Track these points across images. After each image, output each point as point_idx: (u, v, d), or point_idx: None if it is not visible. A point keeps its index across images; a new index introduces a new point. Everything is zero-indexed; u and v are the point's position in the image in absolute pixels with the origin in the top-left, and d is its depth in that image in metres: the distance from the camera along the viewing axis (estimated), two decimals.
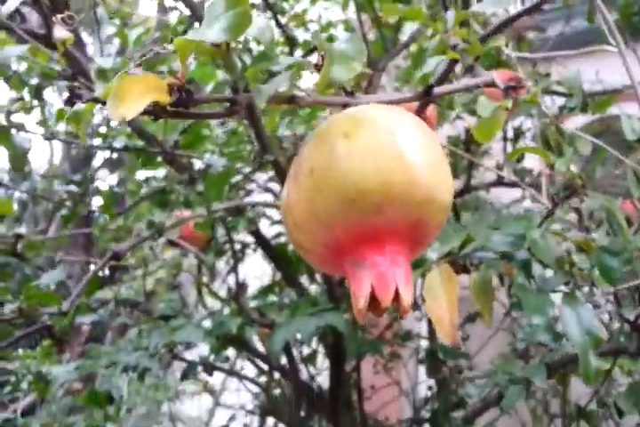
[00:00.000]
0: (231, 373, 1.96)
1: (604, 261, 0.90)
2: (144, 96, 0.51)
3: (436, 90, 0.73)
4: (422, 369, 2.57)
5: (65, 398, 2.22)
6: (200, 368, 1.85)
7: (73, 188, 2.18)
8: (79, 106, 0.58)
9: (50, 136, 1.78)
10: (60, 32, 1.02)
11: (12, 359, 2.57)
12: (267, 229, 2.15)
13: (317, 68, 0.67)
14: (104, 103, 0.57)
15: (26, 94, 1.83)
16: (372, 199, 0.53)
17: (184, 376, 1.83)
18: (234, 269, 1.89)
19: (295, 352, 2.02)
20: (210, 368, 1.84)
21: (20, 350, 2.75)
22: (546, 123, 2.07)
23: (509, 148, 2.16)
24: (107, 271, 3.11)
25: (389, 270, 0.54)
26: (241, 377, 2.04)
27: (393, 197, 0.54)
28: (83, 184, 2.01)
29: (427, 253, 0.84)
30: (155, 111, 0.56)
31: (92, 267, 3.48)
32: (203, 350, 1.85)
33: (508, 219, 0.98)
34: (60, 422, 1.99)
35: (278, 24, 1.85)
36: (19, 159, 1.48)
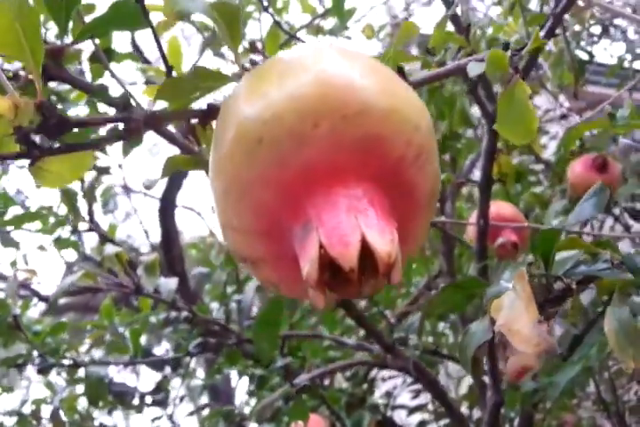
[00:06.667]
0: None
1: None
2: None
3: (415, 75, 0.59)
4: None
5: None
6: None
7: None
8: None
9: None
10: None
11: None
12: None
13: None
14: None
15: None
16: (286, 123, 0.36)
17: None
18: None
19: None
20: None
21: None
22: None
23: None
24: None
25: (345, 218, 0.34)
26: None
27: (316, 110, 0.36)
28: None
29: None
30: (24, 151, 0.45)
31: None
32: None
33: None
34: None
35: None
36: (94, 389, 1.37)
